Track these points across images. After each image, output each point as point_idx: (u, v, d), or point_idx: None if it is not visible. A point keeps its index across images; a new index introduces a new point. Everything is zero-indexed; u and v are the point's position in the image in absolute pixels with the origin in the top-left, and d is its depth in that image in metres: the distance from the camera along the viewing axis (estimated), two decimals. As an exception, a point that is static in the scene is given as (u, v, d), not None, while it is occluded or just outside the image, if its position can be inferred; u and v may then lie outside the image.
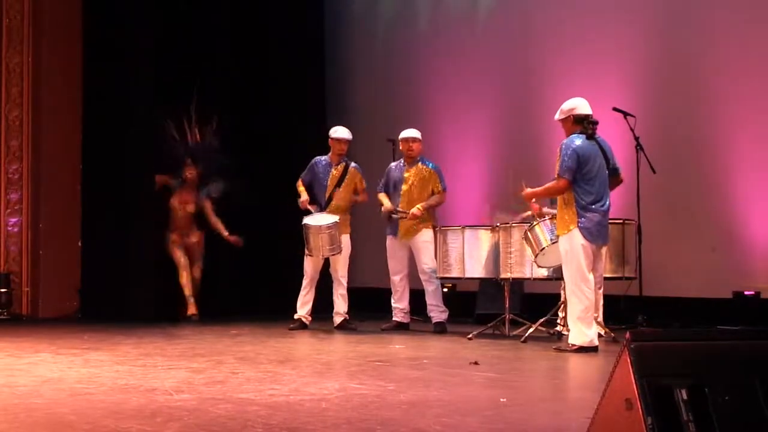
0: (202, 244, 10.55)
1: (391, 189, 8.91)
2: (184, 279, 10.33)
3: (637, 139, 8.12)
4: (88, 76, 10.96)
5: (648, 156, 8.14)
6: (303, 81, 11.66)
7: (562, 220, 6.91)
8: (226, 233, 10.39)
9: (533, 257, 7.53)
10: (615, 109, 8.17)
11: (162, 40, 10.77)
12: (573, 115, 6.94)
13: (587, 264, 6.79)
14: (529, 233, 7.50)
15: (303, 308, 8.99)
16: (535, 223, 7.48)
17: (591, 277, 6.82)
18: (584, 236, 6.76)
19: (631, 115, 8.10)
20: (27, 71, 11.00)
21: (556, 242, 7.15)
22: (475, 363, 6.01)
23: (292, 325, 8.96)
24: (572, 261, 6.79)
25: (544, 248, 7.35)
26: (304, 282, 9.00)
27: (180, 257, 10.38)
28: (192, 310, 10.26)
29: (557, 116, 7.06)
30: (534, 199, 7.59)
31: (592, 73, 9.34)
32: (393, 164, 9.06)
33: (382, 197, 8.94)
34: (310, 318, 9.02)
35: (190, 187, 10.46)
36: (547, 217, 7.50)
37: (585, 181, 6.80)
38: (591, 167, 6.81)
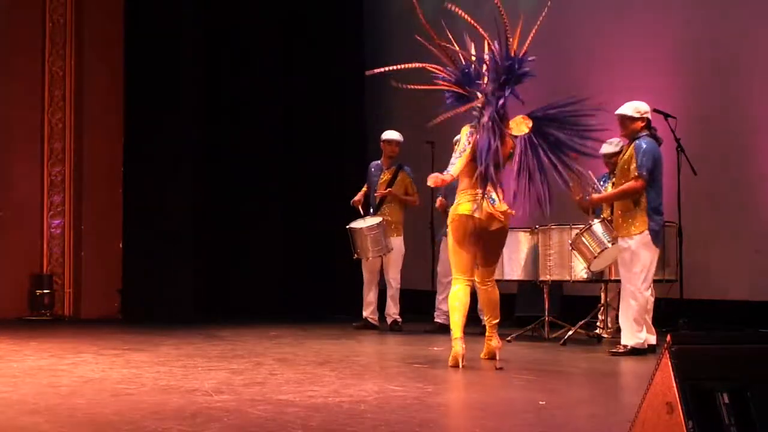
0: None
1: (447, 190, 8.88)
2: None
3: (678, 140, 8.04)
4: (130, 80, 11.06)
5: (689, 157, 8.06)
6: (342, 84, 11.66)
7: (629, 222, 6.74)
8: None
9: (586, 262, 7.44)
10: (656, 110, 8.08)
11: (205, 44, 10.84)
12: (648, 118, 6.85)
13: (654, 267, 6.76)
14: (583, 237, 7.40)
15: (367, 309, 9.20)
16: (586, 227, 7.40)
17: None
18: (653, 238, 6.70)
19: (672, 117, 8.02)
20: (70, 75, 11.10)
21: (614, 244, 7.08)
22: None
23: (355, 324, 9.17)
24: (639, 263, 6.69)
25: (602, 251, 7.28)
26: (364, 284, 9.19)
27: None
28: None
29: (630, 113, 6.80)
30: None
31: (633, 75, 9.25)
32: None
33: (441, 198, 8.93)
34: (375, 317, 9.20)
35: None
36: (596, 221, 7.41)
37: (656, 183, 6.74)
38: (660, 170, 6.78)
